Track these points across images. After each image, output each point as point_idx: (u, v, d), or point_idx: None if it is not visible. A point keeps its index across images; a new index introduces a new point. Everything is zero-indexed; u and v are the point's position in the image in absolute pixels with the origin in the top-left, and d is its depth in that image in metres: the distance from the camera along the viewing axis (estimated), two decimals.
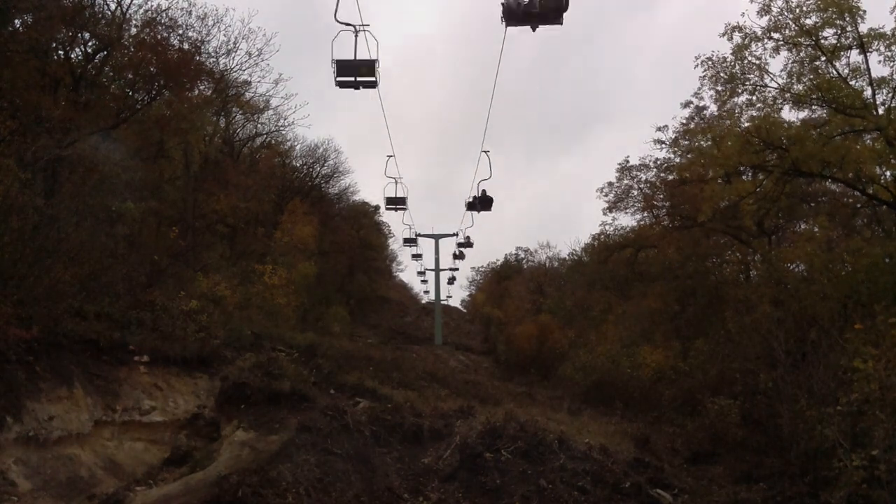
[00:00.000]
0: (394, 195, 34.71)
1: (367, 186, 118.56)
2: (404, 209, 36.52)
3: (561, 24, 14.64)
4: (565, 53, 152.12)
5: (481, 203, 30.77)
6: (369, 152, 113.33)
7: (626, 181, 30.48)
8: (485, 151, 32.39)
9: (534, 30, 14.93)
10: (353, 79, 18.05)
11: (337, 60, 17.79)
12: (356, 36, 18.52)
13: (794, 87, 19.58)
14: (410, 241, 48.21)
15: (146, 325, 15.26)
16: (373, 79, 18.03)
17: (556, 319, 38.96)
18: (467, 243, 46.18)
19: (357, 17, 22.19)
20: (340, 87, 18.13)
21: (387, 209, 36.41)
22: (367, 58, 17.80)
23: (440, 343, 45.95)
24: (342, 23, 17.81)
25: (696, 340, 23.59)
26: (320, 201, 42.95)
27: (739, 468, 14.50)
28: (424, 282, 59.78)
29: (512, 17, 14.58)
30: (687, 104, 26.91)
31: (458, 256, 51.45)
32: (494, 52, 38.29)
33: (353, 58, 17.72)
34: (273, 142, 37.29)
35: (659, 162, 29.78)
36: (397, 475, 12.74)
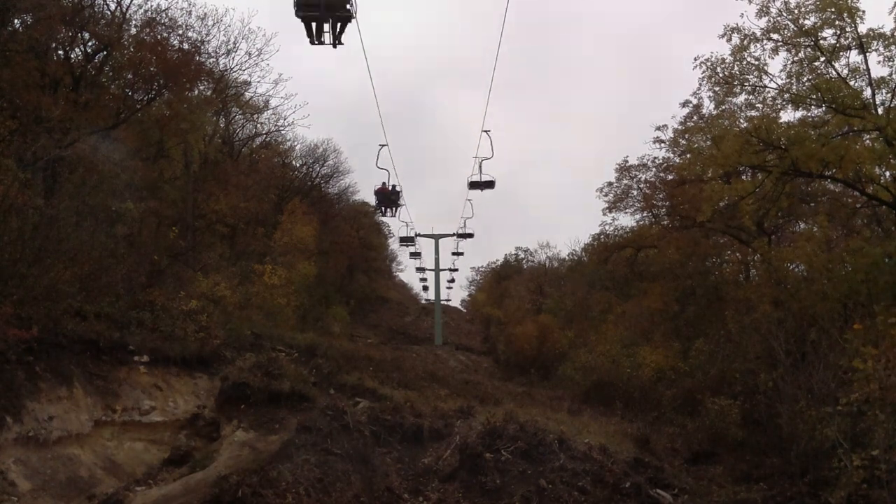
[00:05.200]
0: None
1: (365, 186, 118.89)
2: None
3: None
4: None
5: (484, 183, 32.32)
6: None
7: (625, 181, 30.51)
8: (485, 131, 34.57)
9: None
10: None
11: (376, 192, 16.38)
12: (388, 176, 18.45)
13: (794, 87, 19.60)
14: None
15: (146, 325, 15.27)
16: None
17: (556, 319, 38.96)
18: (466, 234, 46.63)
19: None
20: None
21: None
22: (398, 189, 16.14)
23: (440, 343, 45.93)
24: (380, 167, 16.74)
25: (696, 340, 23.58)
26: (320, 201, 42.90)
27: (739, 468, 14.52)
28: (423, 279, 59.72)
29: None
30: (685, 104, 26.92)
31: (459, 251, 52.24)
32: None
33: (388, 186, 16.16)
34: (273, 142, 37.30)
35: (658, 162, 29.82)
36: (397, 475, 12.75)
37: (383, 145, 29.32)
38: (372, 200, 34.46)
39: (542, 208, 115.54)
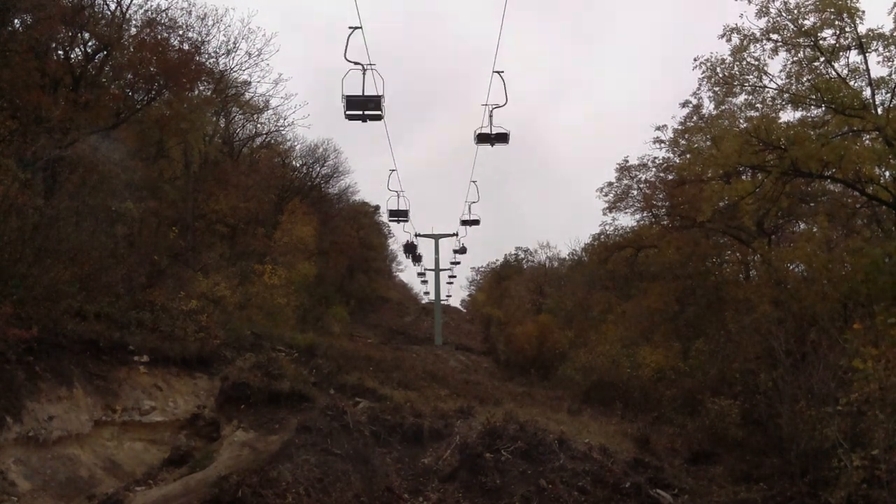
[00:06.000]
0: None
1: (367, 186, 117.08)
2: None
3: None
4: None
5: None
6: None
7: (625, 181, 30.46)
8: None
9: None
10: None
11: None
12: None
13: (794, 87, 19.58)
14: (398, 214, 44.84)
15: (146, 325, 15.29)
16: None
17: (556, 319, 38.96)
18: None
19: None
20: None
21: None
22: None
23: (440, 343, 45.87)
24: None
25: (696, 340, 23.58)
26: (320, 201, 42.85)
27: (739, 468, 14.52)
28: (422, 275, 59.68)
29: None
30: (685, 104, 26.91)
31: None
32: None
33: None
34: (273, 142, 37.28)
35: (658, 162, 29.81)
36: (397, 475, 12.77)
37: (393, 170, 30.11)
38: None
39: (565, 159, 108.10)
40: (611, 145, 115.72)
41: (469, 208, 39.91)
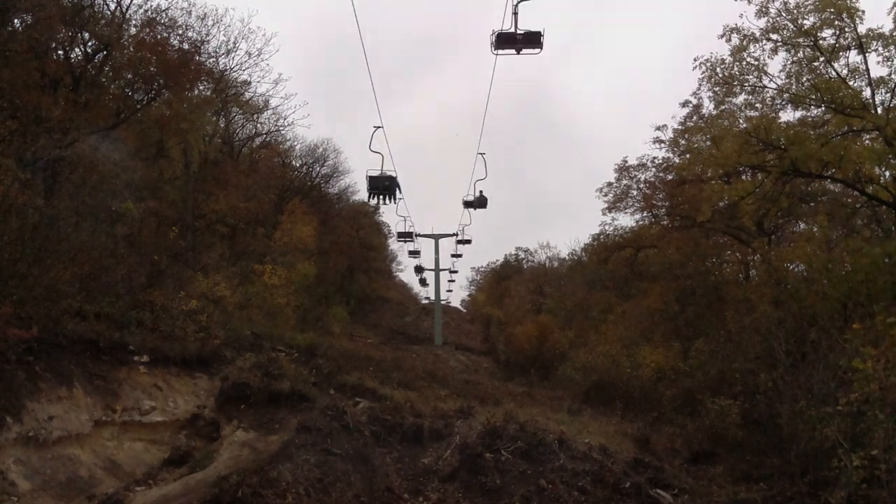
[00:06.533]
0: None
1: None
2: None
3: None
4: None
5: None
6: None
7: (625, 181, 30.53)
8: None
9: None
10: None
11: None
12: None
13: (793, 87, 19.61)
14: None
15: (146, 325, 15.30)
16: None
17: (556, 319, 38.97)
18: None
19: None
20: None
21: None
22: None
23: (440, 343, 45.88)
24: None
25: (696, 340, 23.56)
26: (320, 201, 42.90)
27: (739, 468, 14.51)
28: (423, 280, 59.51)
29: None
30: (685, 104, 26.94)
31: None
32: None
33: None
34: (273, 142, 37.31)
35: (658, 162, 29.84)
36: (397, 475, 12.76)
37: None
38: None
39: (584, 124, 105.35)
40: (641, 99, 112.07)
41: (475, 187, 33.90)
